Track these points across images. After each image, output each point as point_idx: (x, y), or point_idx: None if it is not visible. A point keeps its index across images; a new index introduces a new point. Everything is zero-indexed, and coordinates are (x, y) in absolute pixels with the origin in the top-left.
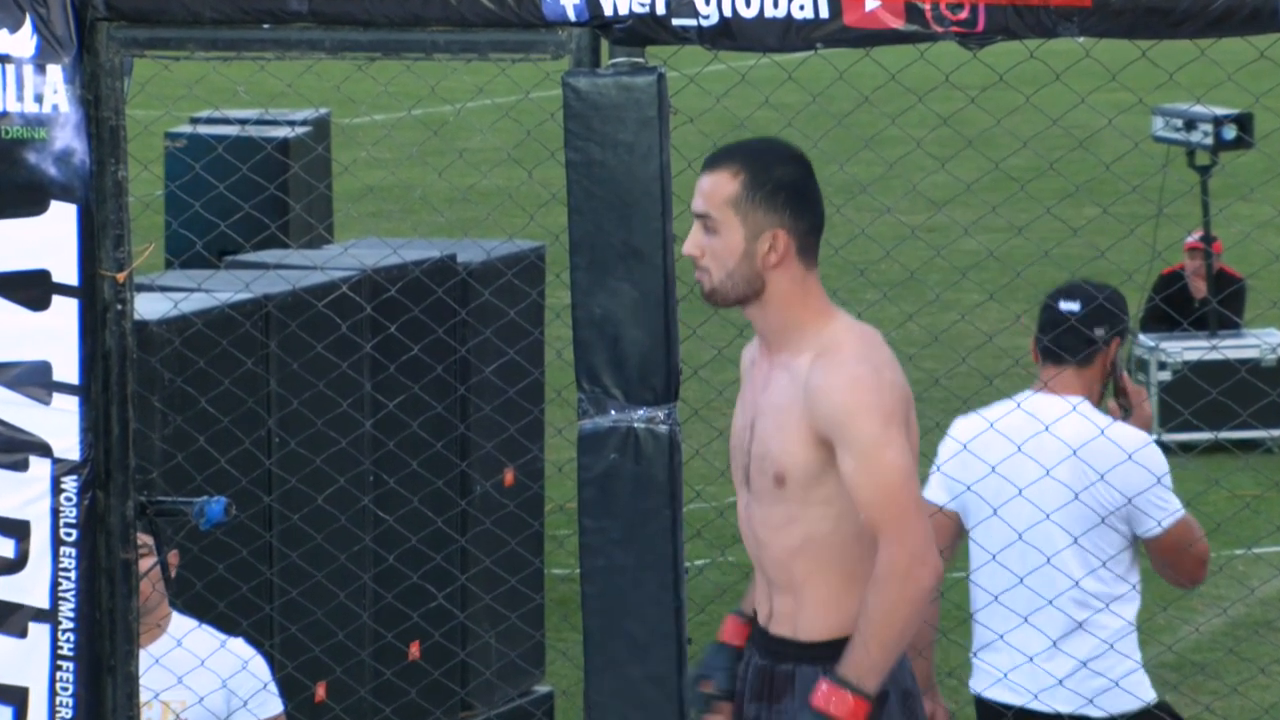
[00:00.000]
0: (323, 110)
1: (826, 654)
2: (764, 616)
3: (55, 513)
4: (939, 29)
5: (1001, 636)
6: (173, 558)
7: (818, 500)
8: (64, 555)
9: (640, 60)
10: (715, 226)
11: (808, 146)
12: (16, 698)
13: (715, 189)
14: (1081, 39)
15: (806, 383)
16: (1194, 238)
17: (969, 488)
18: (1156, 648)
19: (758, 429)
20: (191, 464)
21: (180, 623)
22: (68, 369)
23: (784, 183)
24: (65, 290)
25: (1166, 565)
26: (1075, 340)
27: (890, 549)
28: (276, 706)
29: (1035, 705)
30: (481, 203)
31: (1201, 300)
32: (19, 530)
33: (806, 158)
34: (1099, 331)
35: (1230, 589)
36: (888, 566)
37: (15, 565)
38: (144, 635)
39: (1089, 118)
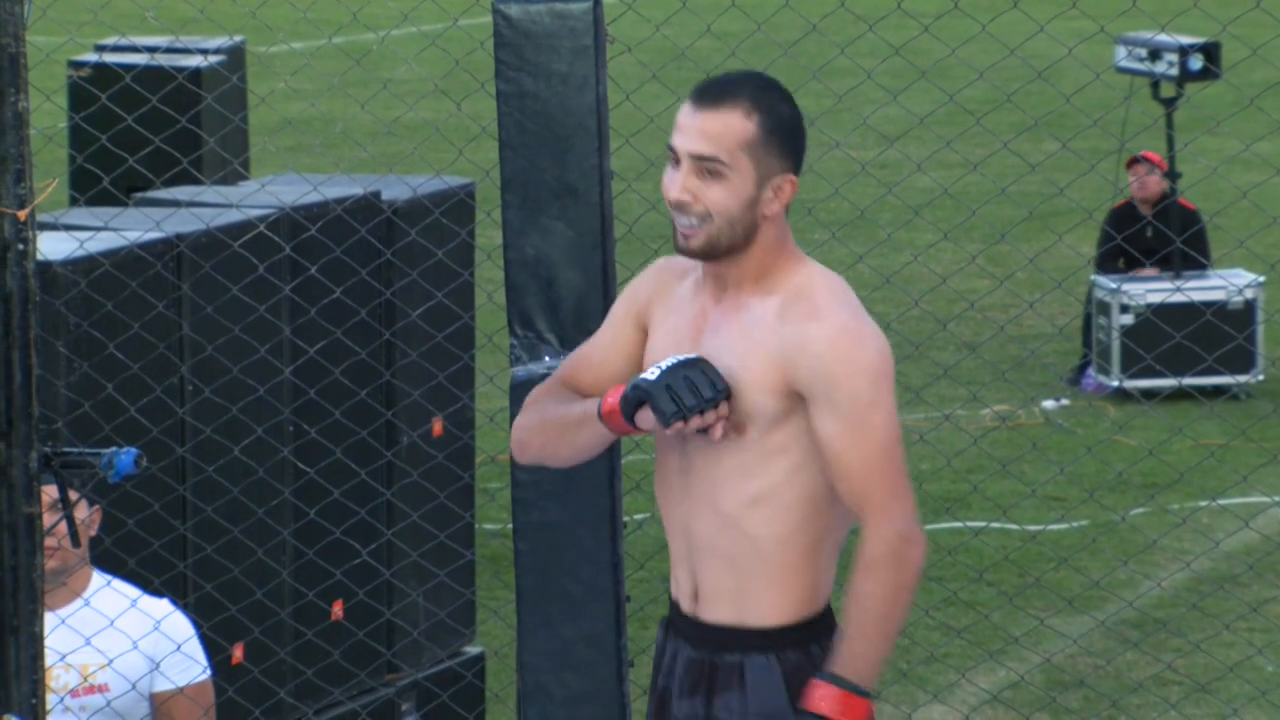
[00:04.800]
0: (238, 38)
1: (781, 641)
2: (688, 599)
3: None
4: None
5: None
6: (95, 514)
7: (775, 448)
8: None
9: None
10: (723, 172)
11: None
12: None
13: (727, 130)
14: None
15: (781, 329)
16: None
17: None
18: (1117, 604)
19: None
20: (99, 413)
21: (102, 585)
22: None
23: (796, 126)
24: None
25: None
26: None
27: (880, 528)
28: (199, 673)
29: None
30: (407, 137)
31: (1154, 217)
32: None
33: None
34: None
35: (1194, 542)
36: (880, 547)
37: None
38: (60, 597)
39: (1048, 47)
